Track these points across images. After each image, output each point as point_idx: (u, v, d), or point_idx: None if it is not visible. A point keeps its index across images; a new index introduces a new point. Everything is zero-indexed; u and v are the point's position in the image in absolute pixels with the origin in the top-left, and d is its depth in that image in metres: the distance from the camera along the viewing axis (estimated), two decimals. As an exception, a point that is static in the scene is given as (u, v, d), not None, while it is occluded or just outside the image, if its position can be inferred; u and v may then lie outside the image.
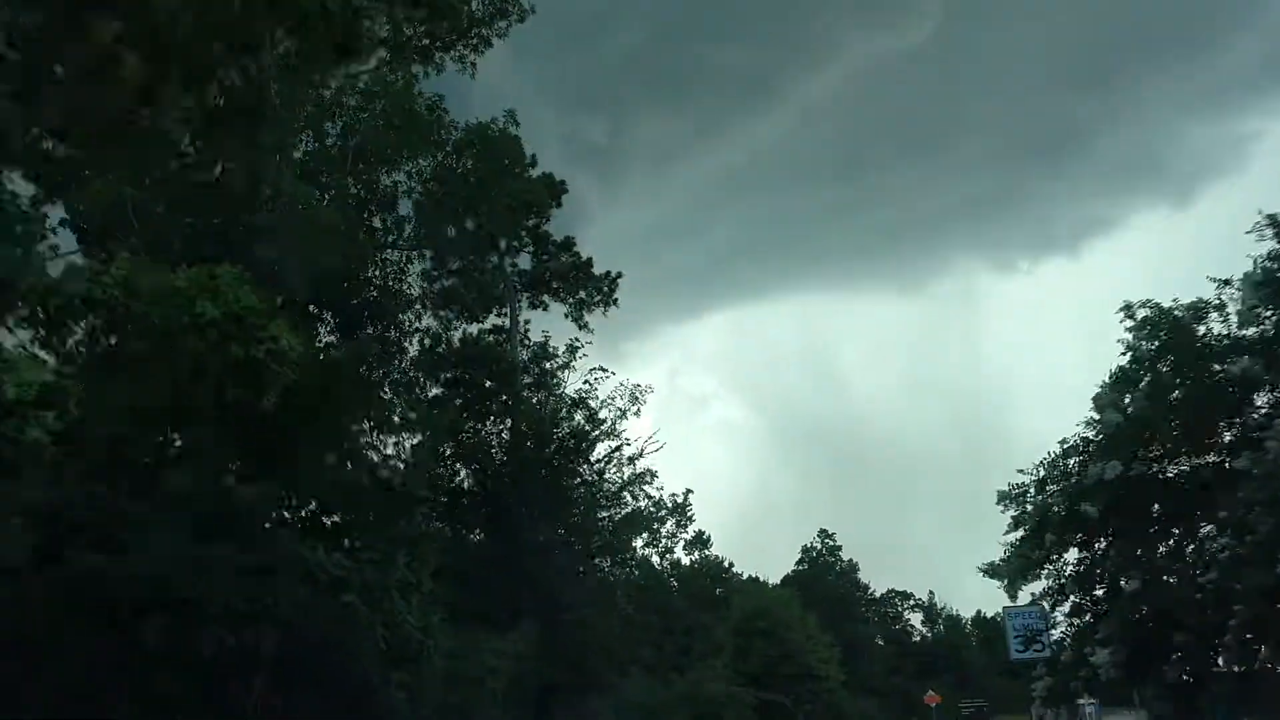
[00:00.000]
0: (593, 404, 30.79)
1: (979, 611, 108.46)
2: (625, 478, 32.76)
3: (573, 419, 29.89)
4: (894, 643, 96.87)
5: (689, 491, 60.93)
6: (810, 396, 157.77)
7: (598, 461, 31.04)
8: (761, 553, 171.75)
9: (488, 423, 29.49)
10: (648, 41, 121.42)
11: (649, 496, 32.49)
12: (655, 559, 62.11)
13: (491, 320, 32.34)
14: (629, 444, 31.57)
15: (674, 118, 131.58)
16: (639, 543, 49.36)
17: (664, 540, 63.04)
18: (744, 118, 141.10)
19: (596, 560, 30.92)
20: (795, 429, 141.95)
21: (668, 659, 51.07)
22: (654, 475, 33.78)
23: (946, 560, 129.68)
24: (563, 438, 28.93)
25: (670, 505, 61.62)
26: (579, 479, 29.35)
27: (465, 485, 29.15)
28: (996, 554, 21.34)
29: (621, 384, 31.61)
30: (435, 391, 29.67)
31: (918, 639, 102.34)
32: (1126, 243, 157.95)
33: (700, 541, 69.08)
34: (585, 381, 31.17)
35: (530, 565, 26.78)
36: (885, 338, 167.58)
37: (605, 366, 32.10)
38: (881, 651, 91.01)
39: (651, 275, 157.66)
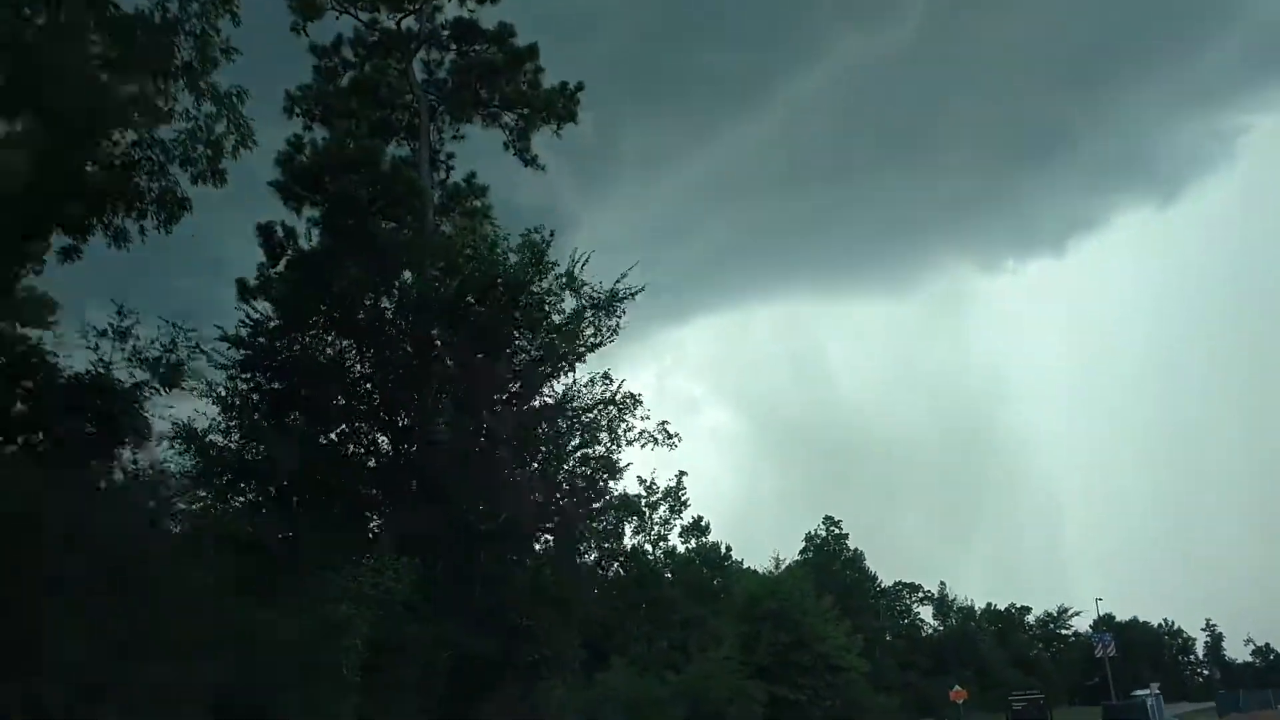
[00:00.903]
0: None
1: (990, 604, 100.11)
2: (598, 396, 21.23)
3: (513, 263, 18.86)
4: (901, 636, 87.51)
5: (682, 474, 52.83)
6: (799, 398, 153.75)
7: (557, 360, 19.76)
8: (754, 553, 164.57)
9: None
10: (636, 44, 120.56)
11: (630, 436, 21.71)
12: (648, 548, 53.36)
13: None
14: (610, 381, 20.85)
15: (663, 120, 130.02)
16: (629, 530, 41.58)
17: (656, 527, 54.30)
18: (732, 120, 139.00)
19: (538, 469, 19.73)
20: (784, 430, 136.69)
21: (659, 654, 41.18)
22: (638, 402, 21.95)
23: (942, 556, 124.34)
24: (493, 278, 18.14)
25: (663, 491, 53.29)
26: (517, 337, 18.64)
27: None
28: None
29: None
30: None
31: (929, 632, 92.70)
32: (1111, 241, 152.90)
33: (697, 528, 59.14)
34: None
35: (426, 460, 16.74)
36: (874, 338, 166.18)
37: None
38: (891, 646, 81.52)
39: (640, 278, 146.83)
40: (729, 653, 37.86)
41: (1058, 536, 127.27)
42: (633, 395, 20.71)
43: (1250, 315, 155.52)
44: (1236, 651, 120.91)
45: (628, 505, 49.45)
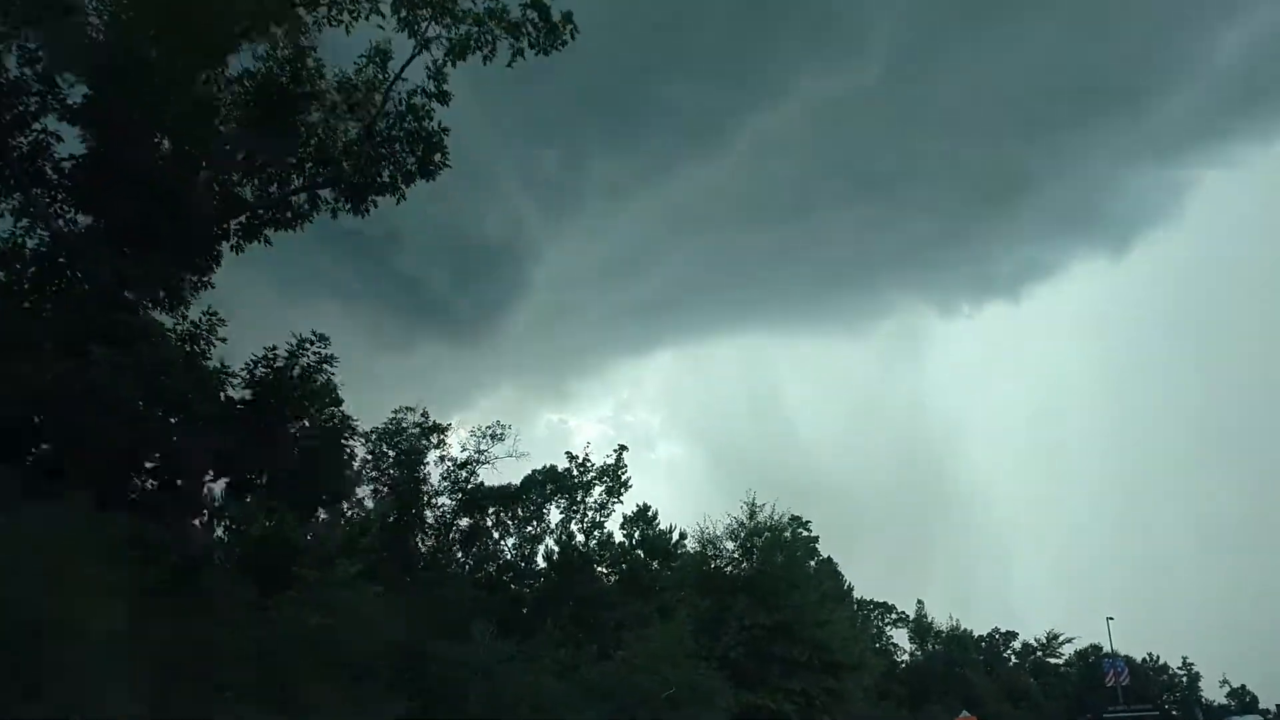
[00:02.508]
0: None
1: (966, 629, 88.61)
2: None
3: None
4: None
5: (623, 449, 42.74)
6: (756, 435, 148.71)
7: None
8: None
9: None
10: (601, 76, 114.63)
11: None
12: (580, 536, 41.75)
13: None
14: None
15: (627, 153, 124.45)
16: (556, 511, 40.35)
17: (591, 513, 42.18)
18: (695, 155, 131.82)
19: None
20: (741, 467, 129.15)
21: (588, 656, 28.88)
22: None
23: (898, 592, 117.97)
24: None
25: (598, 469, 42.28)
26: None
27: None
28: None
29: None
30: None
31: (905, 657, 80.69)
32: (1065, 288, 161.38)
33: (643, 518, 46.39)
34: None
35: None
36: (832, 377, 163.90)
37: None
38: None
39: (602, 311, 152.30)
40: (679, 635, 25.26)
41: (1011, 576, 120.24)
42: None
43: (1196, 364, 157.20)
44: (1212, 693, 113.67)
45: (557, 481, 38.26)
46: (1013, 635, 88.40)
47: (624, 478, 42.88)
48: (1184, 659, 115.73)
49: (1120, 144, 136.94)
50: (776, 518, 36.07)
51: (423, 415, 36.97)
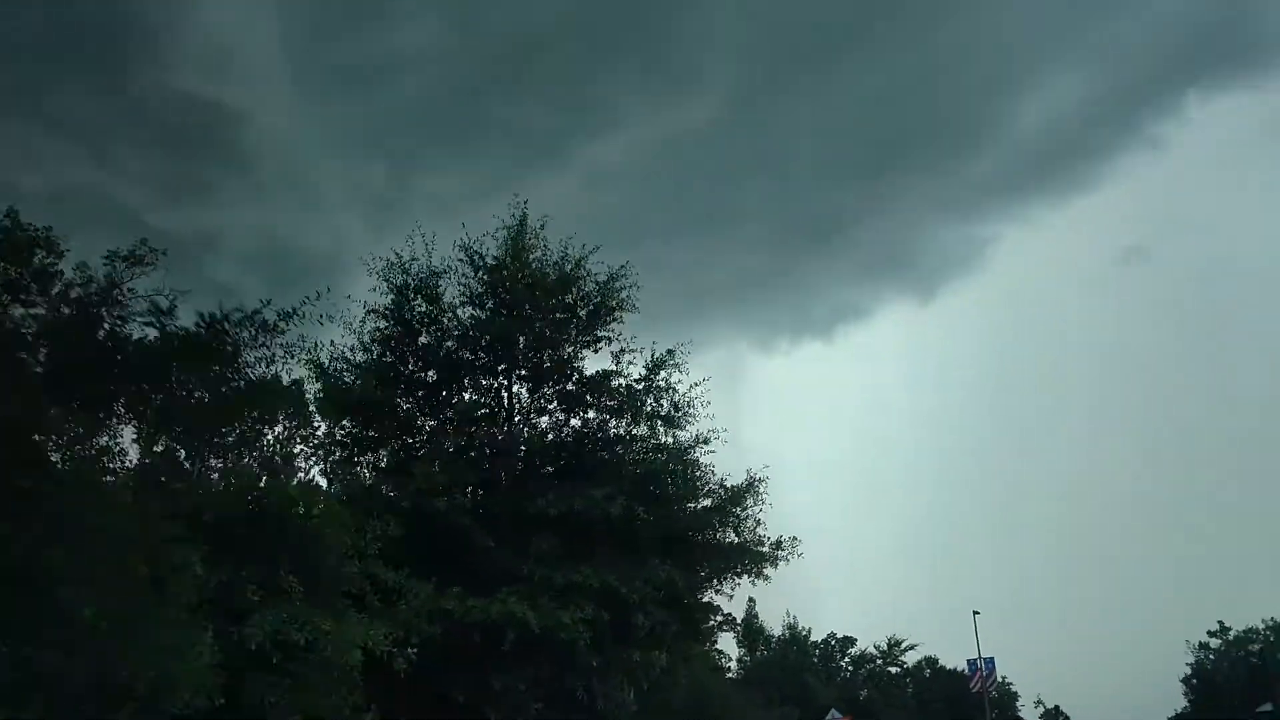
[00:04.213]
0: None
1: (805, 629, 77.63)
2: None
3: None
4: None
5: None
6: None
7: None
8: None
9: None
10: (436, 94, 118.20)
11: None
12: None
13: None
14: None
15: (458, 172, 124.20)
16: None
17: None
18: (528, 178, 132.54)
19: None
20: None
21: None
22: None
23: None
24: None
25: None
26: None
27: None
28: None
29: None
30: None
31: (731, 662, 67.79)
32: (875, 331, 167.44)
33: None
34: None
35: None
36: None
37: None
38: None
39: None
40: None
41: (823, 604, 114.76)
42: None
43: (991, 409, 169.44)
44: (1026, 713, 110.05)
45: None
46: (850, 641, 77.67)
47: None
48: (1003, 678, 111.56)
49: (934, 195, 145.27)
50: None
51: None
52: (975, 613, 50.16)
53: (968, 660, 53.63)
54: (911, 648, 77.20)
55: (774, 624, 73.97)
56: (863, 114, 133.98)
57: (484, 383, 26.66)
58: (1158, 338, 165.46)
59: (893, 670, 77.93)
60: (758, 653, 72.96)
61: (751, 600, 73.19)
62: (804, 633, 70.98)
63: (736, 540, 26.96)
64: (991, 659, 48.93)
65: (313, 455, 28.09)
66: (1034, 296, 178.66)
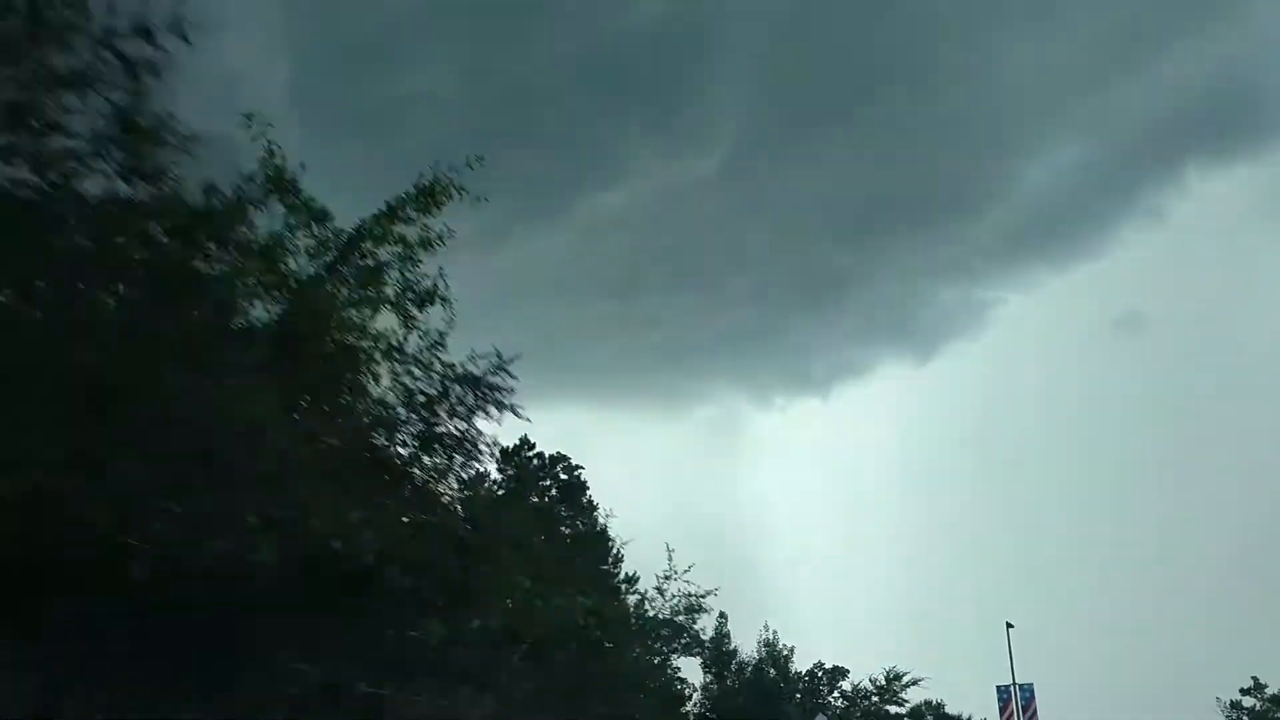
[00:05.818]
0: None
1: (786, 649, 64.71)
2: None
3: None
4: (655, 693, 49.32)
5: None
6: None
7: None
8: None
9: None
10: (441, 138, 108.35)
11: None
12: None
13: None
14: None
15: (458, 216, 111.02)
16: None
17: None
18: (528, 224, 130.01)
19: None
20: None
21: None
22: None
23: None
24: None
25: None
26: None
27: None
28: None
29: None
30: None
31: (695, 692, 55.06)
32: (873, 390, 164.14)
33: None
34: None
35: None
36: (646, 458, 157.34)
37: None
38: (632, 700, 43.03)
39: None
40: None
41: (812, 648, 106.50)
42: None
43: (984, 470, 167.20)
44: None
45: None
46: (842, 672, 64.68)
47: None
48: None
49: (936, 257, 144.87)
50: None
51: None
52: (1009, 625, 37.67)
53: (997, 687, 40.91)
54: (914, 683, 64.26)
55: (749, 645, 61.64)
56: (866, 173, 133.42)
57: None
58: (1160, 398, 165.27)
59: (891, 710, 64.94)
60: (727, 681, 60.30)
61: (723, 617, 60.95)
62: (784, 652, 58.12)
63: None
64: (1030, 686, 36.40)
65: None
66: (1029, 359, 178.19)
